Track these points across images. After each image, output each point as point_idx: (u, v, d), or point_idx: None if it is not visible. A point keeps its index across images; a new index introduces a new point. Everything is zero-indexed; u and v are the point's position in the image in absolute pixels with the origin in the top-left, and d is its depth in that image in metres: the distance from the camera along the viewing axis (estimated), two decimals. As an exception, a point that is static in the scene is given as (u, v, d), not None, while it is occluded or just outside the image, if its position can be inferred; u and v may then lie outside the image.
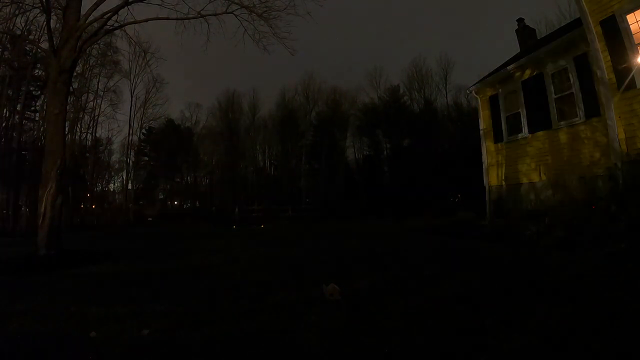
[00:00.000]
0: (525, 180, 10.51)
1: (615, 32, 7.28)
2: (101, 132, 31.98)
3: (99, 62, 25.44)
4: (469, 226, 8.83)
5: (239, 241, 10.47)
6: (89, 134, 28.83)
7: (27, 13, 9.47)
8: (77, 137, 27.14)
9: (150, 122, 35.42)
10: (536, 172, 10.07)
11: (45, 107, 20.03)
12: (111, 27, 8.55)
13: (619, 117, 7.33)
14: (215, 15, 8.94)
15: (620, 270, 3.88)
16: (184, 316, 3.05)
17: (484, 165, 12.25)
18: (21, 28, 12.27)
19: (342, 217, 24.90)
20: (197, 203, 40.79)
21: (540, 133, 10.01)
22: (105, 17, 8.02)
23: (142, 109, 32.99)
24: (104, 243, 10.50)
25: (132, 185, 34.99)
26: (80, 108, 25.57)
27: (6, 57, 18.54)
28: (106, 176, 35.68)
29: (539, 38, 14.14)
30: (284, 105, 40.02)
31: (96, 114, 28.38)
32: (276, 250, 7.81)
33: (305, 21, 9.87)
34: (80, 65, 22.25)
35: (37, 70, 21.99)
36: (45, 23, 7.80)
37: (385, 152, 38.66)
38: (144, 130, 36.39)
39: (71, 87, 10.17)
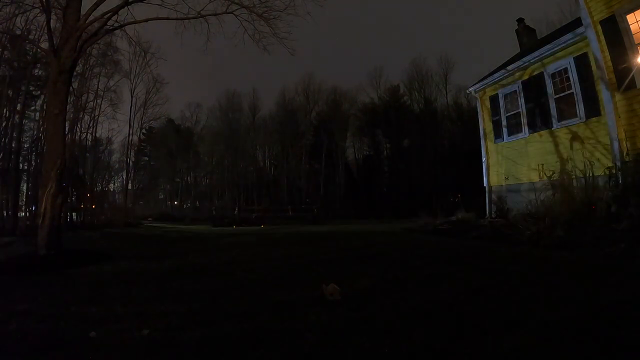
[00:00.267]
0: (525, 180, 10.51)
1: (615, 32, 7.28)
2: (101, 132, 32.10)
3: (99, 62, 25.41)
4: (469, 226, 8.81)
5: (238, 241, 10.46)
6: (89, 134, 28.80)
7: (27, 13, 9.47)
8: (77, 137, 27.11)
9: (150, 122, 35.47)
10: (536, 172, 10.07)
11: (45, 107, 20.02)
12: (111, 27, 8.55)
13: (619, 117, 7.34)
14: (215, 15, 8.95)
15: (620, 270, 3.88)
16: (184, 316, 3.05)
17: (484, 165, 12.26)
18: (21, 28, 12.28)
19: (342, 217, 24.90)
20: (197, 203, 40.82)
21: (540, 133, 10.02)
22: (105, 17, 8.02)
23: (142, 109, 32.98)
24: (104, 243, 10.50)
25: (132, 185, 35.01)
26: (80, 108, 25.54)
27: (6, 57, 18.52)
28: (106, 176, 35.69)
29: (539, 38, 14.15)
30: (284, 105, 40.10)
31: (96, 114, 28.34)
32: (276, 250, 7.81)
33: (305, 21, 9.88)
34: (80, 65, 22.21)
35: (37, 70, 21.98)
36: (45, 23, 7.80)
37: (385, 152, 38.71)
38: (144, 130, 36.46)
39: (71, 87, 10.16)
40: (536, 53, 10.15)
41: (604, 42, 7.57)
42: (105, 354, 2.32)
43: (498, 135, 11.72)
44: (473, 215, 10.24)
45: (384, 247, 7.41)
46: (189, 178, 41.60)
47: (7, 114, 21.32)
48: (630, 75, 7.06)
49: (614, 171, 7.04)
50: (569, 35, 9.04)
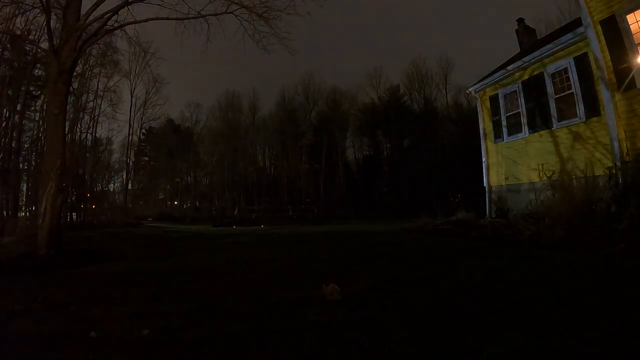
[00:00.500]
0: (525, 180, 10.51)
1: (615, 32, 7.28)
2: (101, 132, 31.97)
3: (99, 62, 25.40)
4: (469, 226, 8.81)
5: (238, 241, 10.47)
6: (89, 134, 28.82)
7: (27, 13, 9.48)
8: (77, 137, 27.12)
9: (150, 122, 35.50)
10: (536, 172, 10.07)
11: (45, 107, 20.02)
12: (111, 27, 8.55)
13: (619, 117, 7.34)
14: (215, 15, 8.95)
15: (619, 271, 3.88)
16: (184, 316, 3.05)
17: (484, 165, 12.26)
18: (21, 28, 12.27)
19: (341, 217, 24.91)
20: (197, 203, 40.82)
21: (540, 133, 10.02)
22: (105, 17, 8.02)
23: (142, 109, 33.02)
24: (104, 243, 10.50)
25: (132, 185, 35.02)
26: (80, 108, 25.54)
27: (6, 57, 18.53)
28: (106, 176, 35.69)
29: (539, 38, 14.15)
30: (284, 105, 40.10)
31: (96, 114, 28.35)
32: (276, 250, 7.81)
33: (305, 21, 9.90)
34: (80, 65, 22.20)
35: (37, 70, 21.98)
36: (45, 23, 7.81)
37: (385, 152, 38.71)
38: (144, 130, 36.47)
39: (71, 87, 10.16)
40: (536, 53, 10.14)
41: (604, 42, 7.56)
42: (105, 354, 2.32)
43: (498, 135, 11.71)
44: (473, 215, 10.25)
45: (384, 247, 7.41)
46: (189, 178, 41.63)
47: (7, 114, 21.31)
48: (630, 75, 7.06)
49: (614, 171, 7.04)
50: (569, 35, 9.04)
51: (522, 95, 10.70)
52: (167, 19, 8.69)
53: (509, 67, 11.11)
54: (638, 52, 6.98)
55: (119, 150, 35.61)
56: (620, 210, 5.82)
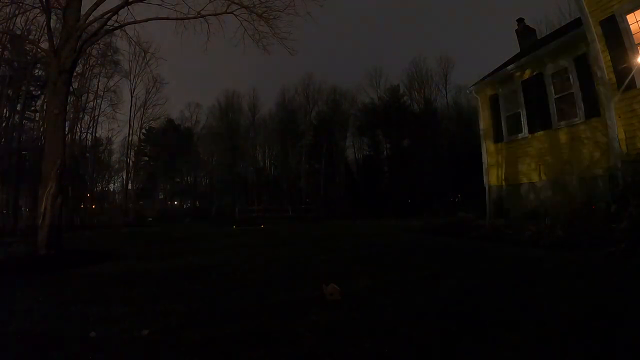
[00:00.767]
0: (525, 180, 10.51)
1: (615, 32, 7.28)
2: (101, 132, 32.05)
3: (99, 62, 25.46)
4: (468, 226, 8.82)
5: (238, 241, 10.46)
6: (89, 134, 28.88)
7: (27, 13, 9.48)
8: (77, 137, 27.16)
9: (150, 122, 35.47)
10: (536, 172, 10.07)
11: (45, 107, 20.03)
12: (111, 27, 8.55)
13: (619, 117, 7.34)
14: (215, 15, 8.95)
15: (619, 270, 3.88)
16: (184, 316, 3.05)
17: (484, 165, 12.26)
18: (21, 28, 12.29)
19: (342, 217, 24.91)
20: (197, 203, 40.79)
21: (540, 133, 10.02)
22: (105, 17, 8.02)
23: (142, 109, 33.03)
24: (104, 243, 10.50)
25: (132, 185, 35.01)
26: (80, 108, 25.57)
27: (6, 57, 18.54)
28: (106, 176, 35.72)
29: (539, 38, 14.15)
30: (284, 105, 40.04)
31: (96, 114, 28.42)
32: (276, 250, 7.81)
33: (305, 21, 9.90)
34: (80, 65, 22.24)
35: (37, 70, 22.00)
36: (45, 23, 7.81)
37: (385, 152, 38.67)
38: (144, 130, 36.42)
39: (71, 87, 10.16)
40: (536, 53, 10.15)
41: (604, 42, 7.56)
42: (105, 354, 2.32)
43: (498, 135, 11.71)
44: (473, 215, 10.24)
45: (384, 247, 7.41)
46: (189, 178, 41.58)
47: (7, 114, 21.35)
48: (630, 75, 7.06)
49: (614, 171, 7.04)
50: (568, 36, 9.04)
51: (522, 95, 10.69)
52: (167, 19, 8.70)
53: (509, 67, 11.11)
54: (638, 52, 6.98)
55: (119, 150, 35.68)
56: (620, 210, 5.82)
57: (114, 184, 38.04)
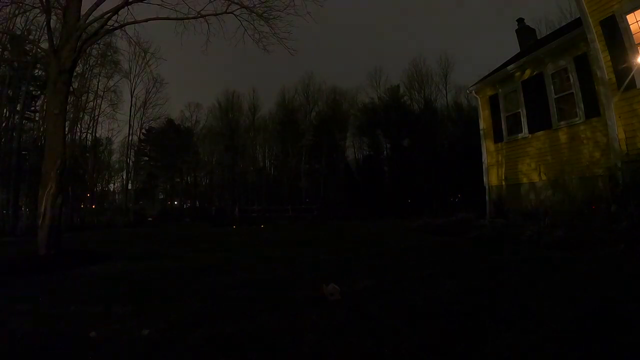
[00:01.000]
0: (525, 180, 10.51)
1: (615, 32, 7.28)
2: (101, 132, 32.06)
3: (99, 62, 25.47)
4: (468, 226, 8.82)
5: (238, 241, 10.47)
6: (89, 134, 28.84)
7: (27, 13, 9.50)
8: (77, 137, 27.15)
9: (150, 122, 35.45)
10: (536, 172, 10.07)
11: (45, 107, 20.02)
12: (111, 27, 8.55)
13: (619, 117, 7.34)
14: (215, 15, 8.95)
15: (619, 271, 3.88)
16: (184, 316, 3.05)
17: (484, 165, 12.26)
18: (21, 28, 12.30)
19: (342, 217, 24.89)
20: (197, 203, 40.79)
21: (540, 133, 10.02)
22: (105, 17, 8.02)
23: (142, 109, 33.01)
24: (104, 243, 10.50)
25: (132, 185, 35.00)
26: (80, 108, 25.57)
27: (6, 57, 18.53)
28: (106, 176, 35.71)
29: (539, 38, 14.16)
30: (284, 105, 40.02)
31: (96, 114, 28.39)
32: (276, 250, 7.81)
33: (305, 21, 9.88)
34: (80, 65, 22.26)
35: (37, 70, 22.00)
36: (45, 23, 7.80)
37: (385, 152, 38.66)
38: (144, 130, 36.41)
39: (71, 87, 10.15)
40: (536, 53, 10.15)
41: (604, 42, 7.56)
42: (105, 354, 2.32)
43: (498, 135, 11.71)
44: (473, 215, 10.24)
45: (384, 247, 7.41)
46: (189, 178, 41.57)
47: (7, 114, 21.34)
48: (630, 75, 7.06)
49: (614, 171, 7.04)
50: (568, 36, 9.04)
51: (522, 95, 10.70)
52: (167, 19, 8.69)
53: (509, 67, 11.11)
54: (638, 52, 6.99)
55: (119, 150, 35.67)
56: (620, 210, 5.83)
57: (114, 184, 38.08)
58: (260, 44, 9.55)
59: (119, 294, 3.98)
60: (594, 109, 8.34)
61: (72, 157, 22.22)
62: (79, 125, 27.03)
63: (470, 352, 2.10)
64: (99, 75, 26.96)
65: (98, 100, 28.10)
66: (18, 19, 10.49)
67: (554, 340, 2.18)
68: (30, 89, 23.11)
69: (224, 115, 40.13)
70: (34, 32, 15.94)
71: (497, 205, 11.14)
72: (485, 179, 12.22)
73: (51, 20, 7.78)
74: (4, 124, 20.81)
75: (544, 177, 9.80)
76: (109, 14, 8.01)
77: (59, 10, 8.07)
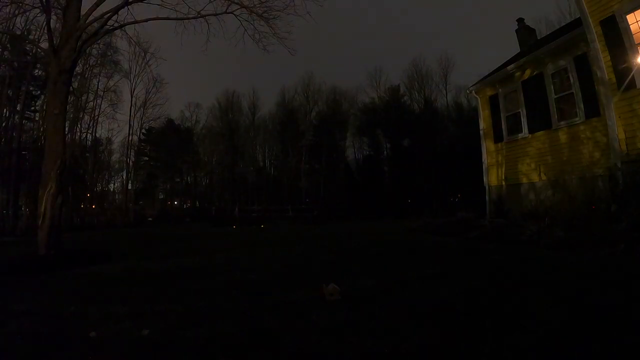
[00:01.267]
0: (525, 180, 10.51)
1: (615, 32, 7.28)
2: (101, 132, 32.11)
3: (99, 62, 25.51)
4: (468, 226, 8.82)
5: (238, 241, 10.47)
6: (89, 134, 28.88)
7: (27, 13, 9.50)
8: (77, 137, 27.16)
9: (150, 122, 35.49)
10: (536, 172, 10.07)
11: (45, 107, 20.03)
12: (111, 27, 8.55)
13: (619, 117, 7.34)
14: (215, 15, 8.95)
15: (619, 271, 3.88)
16: (184, 316, 3.04)
17: (484, 165, 12.26)
18: (21, 28, 12.31)
19: (342, 217, 24.90)
20: (197, 203, 40.80)
21: (540, 133, 10.02)
22: (105, 17, 8.02)
23: (142, 109, 33.03)
24: (104, 243, 10.51)
25: (132, 185, 35.01)
26: (80, 108, 25.58)
27: (6, 57, 18.53)
28: (106, 176, 35.72)
29: (539, 38, 14.15)
30: (284, 105, 40.06)
31: (96, 114, 28.43)
32: (276, 250, 7.81)
33: (305, 21, 9.89)
34: (80, 65, 22.27)
35: (37, 70, 22.02)
36: (45, 23, 7.80)
37: (385, 152, 38.68)
38: (144, 130, 36.43)
39: (71, 87, 10.16)
40: (536, 53, 10.14)
41: (604, 42, 7.56)
42: (105, 354, 2.32)
43: (498, 135, 11.71)
44: (473, 215, 10.25)
45: (384, 247, 7.41)
46: (189, 178, 41.57)
47: (7, 114, 21.35)
48: (630, 75, 7.06)
49: (614, 171, 7.04)
50: (568, 36, 9.04)
51: (522, 95, 10.69)
52: (167, 19, 8.69)
53: (509, 67, 11.11)
54: (638, 52, 6.98)
55: (119, 150, 35.71)
56: (620, 210, 5.83)
57: (114, 184, 38.07)
58: (260, 44, 9.56)
59: (118, 293, 3.98)
60: (594, 109, 8.34)
61: (72, 157, 22.21)
62: (79, 125, 27.07)
63: (470, 352, 2.10)
64: (99, 75, 27.02)
65: (98, 100, 28.15)
66: (18, 19, 10.49)
67: (554, 340, 2.18)
68: (30, 89, 23.12)
69: (224, 115, 40.15)
70: (34, 32, 15.94)
71: (497, 205, 11.14)
72: (485, 179, 12.21)
73: (51, 20, 7.78)
74: (4, 124, 20.81)
75: (543, 177, 9.79)
76: (109, 14, 8.01)
77: (58, 10, 8.08)
